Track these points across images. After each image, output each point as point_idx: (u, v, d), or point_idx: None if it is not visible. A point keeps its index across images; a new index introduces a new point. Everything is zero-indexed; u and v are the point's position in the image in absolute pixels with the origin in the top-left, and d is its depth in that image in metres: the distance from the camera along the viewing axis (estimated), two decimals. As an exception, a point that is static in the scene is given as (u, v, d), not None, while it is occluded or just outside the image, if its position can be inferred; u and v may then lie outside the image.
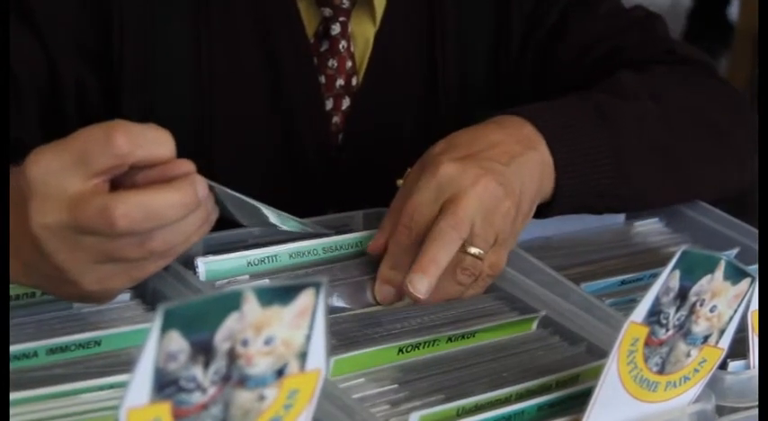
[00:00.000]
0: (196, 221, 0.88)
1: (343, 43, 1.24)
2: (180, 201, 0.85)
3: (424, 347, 0.96)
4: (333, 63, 1.25)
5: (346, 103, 1.26)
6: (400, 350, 0.95)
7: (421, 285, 0.99)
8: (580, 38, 1.29)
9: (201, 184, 0.87)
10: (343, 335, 0.97)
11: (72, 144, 0.84)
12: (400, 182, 1.07)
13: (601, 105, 1.16)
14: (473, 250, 1.01)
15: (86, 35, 1.18)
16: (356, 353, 0.93)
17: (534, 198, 1.07)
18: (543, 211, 1.11)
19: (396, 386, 0.92)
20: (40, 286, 0.94)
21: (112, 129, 0.84)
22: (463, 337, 0.98)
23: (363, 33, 1.26)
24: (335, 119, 1.27)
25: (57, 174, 0.84)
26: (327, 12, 1.23)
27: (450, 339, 0.97)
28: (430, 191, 1.01)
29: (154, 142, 0.85)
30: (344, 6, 1.23)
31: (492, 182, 1.01)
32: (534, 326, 1.02)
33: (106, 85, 1.19)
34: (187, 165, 0.86)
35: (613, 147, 1.13)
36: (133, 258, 0.86)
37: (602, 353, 0.95)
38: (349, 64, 1.25)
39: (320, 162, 1.27)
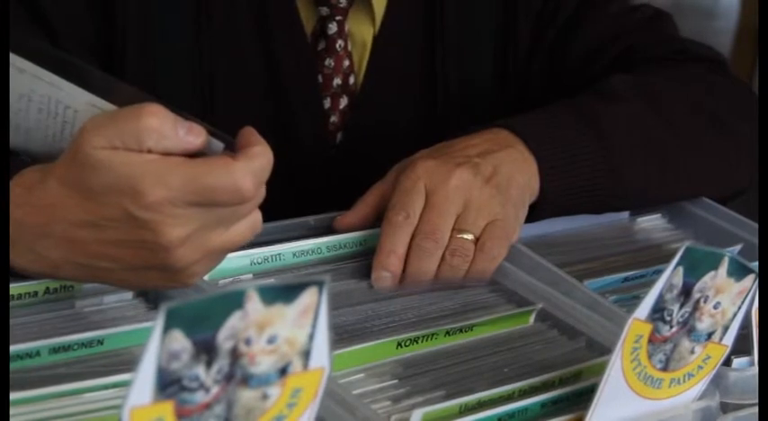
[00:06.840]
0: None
1: (339, 42, 1.24)
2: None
3: (422, 341, 0.96)
4: (330, 62, 1.25)
5: (344, 102, 1.26)
6: (399, 344, 0.95)
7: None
8: (590, 38, 1.29)
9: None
10: (341, 329, 0.97)
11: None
12: None
13: (583, 108, 1.17)
14: (462, 236, 1.04)
15: (93, 34, 1.18)
16: (355, 347, 0.93)
17: (520, 184, 1.09)
18: (535, 212, 1.12)
19: (396, 381, 0.92)
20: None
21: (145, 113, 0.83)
22: (461, 331, 0.98)
23: (362, 34, 1.26)
24: (333, 118, 1.26)
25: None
26: (324, 11, 1.23)
27: (448, 333, 0.98)
28: (413, 180, 1.06)
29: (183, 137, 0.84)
30: (341, 5, 1.23)
31: (465, 172, 1.06)
32: (532, 319, 1.02)
33: None
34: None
35: (598, 145, 1.14)
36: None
37: (602, 348, 0.95)
38: (346, 63, 1.25)
39: (318, 160, 1.27)
